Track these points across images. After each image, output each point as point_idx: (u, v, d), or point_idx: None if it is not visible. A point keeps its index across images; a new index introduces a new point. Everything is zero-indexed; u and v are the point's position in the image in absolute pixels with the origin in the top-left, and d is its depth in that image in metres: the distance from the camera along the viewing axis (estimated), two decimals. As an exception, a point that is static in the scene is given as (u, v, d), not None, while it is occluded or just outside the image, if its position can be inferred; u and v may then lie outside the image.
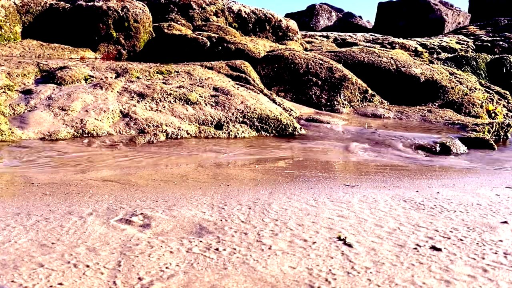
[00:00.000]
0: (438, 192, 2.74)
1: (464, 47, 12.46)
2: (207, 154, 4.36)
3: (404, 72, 8.18)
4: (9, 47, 7.74)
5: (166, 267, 1.57)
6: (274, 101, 6.60)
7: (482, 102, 7.94)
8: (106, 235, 1.88)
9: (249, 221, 2.08)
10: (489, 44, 12.62)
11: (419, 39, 13.08)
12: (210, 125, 5.34)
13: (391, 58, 8.51)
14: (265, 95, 6.74)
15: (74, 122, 4.95)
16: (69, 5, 8.62)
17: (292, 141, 5.22)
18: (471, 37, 13.70)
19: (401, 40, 12.41)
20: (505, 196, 2.66)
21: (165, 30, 9.00)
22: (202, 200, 2.48)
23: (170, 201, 2.45)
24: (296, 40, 10.66)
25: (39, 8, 8.45)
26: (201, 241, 1.82)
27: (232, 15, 10.29)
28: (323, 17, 21.87)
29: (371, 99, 7.61)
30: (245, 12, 10.33)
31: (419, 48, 11.78)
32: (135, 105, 5.45)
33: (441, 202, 2.47)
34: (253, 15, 10.31)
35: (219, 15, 10.21)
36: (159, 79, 6.36)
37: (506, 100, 8.49)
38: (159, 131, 4.98)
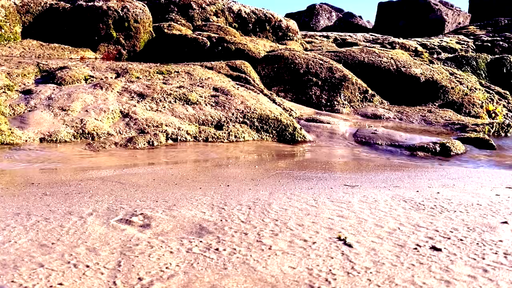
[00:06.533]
0: (438, 192, 2.74)
1: (464, 47, 12.46)
2: (207, 154, 4.36)
3: (404, 72, 8.18)
4: (9, 47, 7.74)
5: (166, 267, 1.57)
6: (274, 101, 6.60)
7: (482, 102, 7.94)
8: (106, 235, 1.88)
9: (249, 221, 2.08)
10: (489, 44, 12.62)
11: (419, 39, 13.07)
12: (210, 125, 5.34)
13: (391, 58, 8.51)
14: (265, 95, 6.74)
15: (74, 122, 4.95)
16: (69, 5, 8.62)
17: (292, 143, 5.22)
18: (471, 37, 13.69)
19: (401, 40, 12.41)
20: (505, 196, 2.66)
21: (165, 30, 9.00)
22: (202, 200, 2.48)
23: (170, 201, 2.45)
24: (296, 40, 10.65)
25: (39, 8, 8.45)
26: (201, 241, 1.82)
27: (232, 15, 10.29)
28: (323, 17, 21.87)
29: (371, 99, 7.61)
30: (245, 12, 10.33)
31: (419, 48, 11.77)
32: (135, 105, 5.45)
33: (441, 202, 2.47)
34: (253, 15, 10.31)
35: (219, 15, 10.21)
36: (159, 79, 6.36)
37: (506, 100, 8.49)
38: (159, 131, 4.98)
